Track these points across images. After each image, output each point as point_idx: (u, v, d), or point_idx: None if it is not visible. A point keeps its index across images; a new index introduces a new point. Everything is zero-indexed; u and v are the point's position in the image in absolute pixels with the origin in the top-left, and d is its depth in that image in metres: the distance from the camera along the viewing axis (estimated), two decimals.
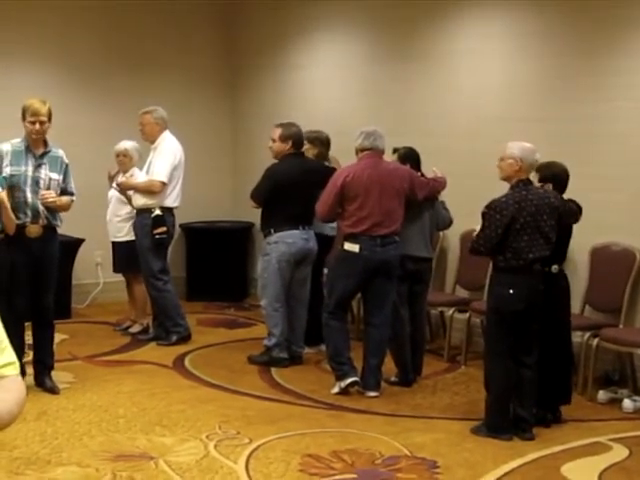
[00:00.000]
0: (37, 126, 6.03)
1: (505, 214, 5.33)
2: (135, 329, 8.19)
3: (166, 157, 7.61)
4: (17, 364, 2.00)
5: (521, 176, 5.43)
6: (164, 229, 7.56)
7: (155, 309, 7.93)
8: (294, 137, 7.09)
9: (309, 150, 7.33)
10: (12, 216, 5.94)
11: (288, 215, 6.98)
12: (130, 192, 7.76)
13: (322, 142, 7.49)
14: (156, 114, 7.70)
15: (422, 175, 6.65)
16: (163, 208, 7.58)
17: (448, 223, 6.90)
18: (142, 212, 7.62)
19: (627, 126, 6.72)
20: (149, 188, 7.57)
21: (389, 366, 6.67)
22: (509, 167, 5.44)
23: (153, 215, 7.53)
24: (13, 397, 1.94)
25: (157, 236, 7.54)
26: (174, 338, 7.77)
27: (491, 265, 5.69)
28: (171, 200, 7.66)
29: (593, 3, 6.87)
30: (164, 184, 7.54)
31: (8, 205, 5.88)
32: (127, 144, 8.05)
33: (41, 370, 6.33)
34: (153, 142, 7.70)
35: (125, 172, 8.03)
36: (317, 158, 7.41)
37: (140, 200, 7.63)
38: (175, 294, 7.89)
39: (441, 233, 7.61)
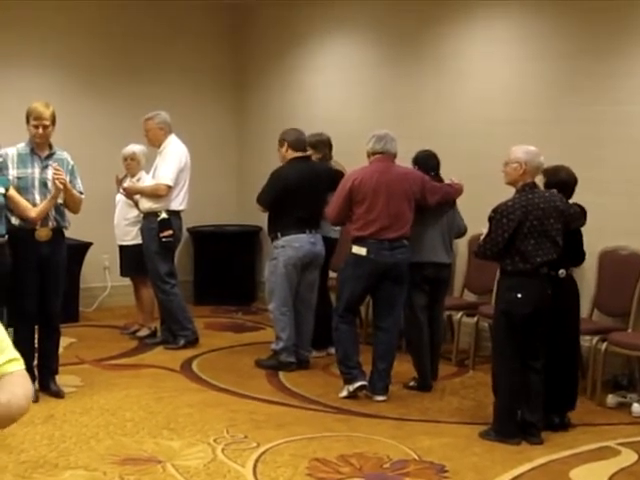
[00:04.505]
0: (40, 130, 6.04)
1: (512, 218, 5.31)
2: (143, 333, 8.19)
3: (171, 160, 7.62)
4: (21, 360, 2.00)
5: (526, 179, 5.41)
6: (170, 232, 7.57)
7: (162, 313, 7.94)
8: (288, 139, 7.11)
9: (313, 155, 7.34)
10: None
11: (295, 219, 6.97)
12: (137, 196, 7.77)
13: (324, 144, 7.51)
14: (158, 119, 7.70)
15: (438, 179, 6.65)
16: (169, 211, 7.59)
17: (463, 231, 6.91)
18: (149, 216, 7.64)
19: (636, 130, 6.70)
20: (155, 192, 7.58)
21: (406, 370, 6.68)
22: (514, 171, 5.43)
23: (159, 219, 7.54)
24: (21, 390, 1.94)
25: (164, 239, 7.55)
26: (182, 342, 7.77)
27: (499, 269, 5.68)
28: (177, 203, 7.66)
29: (602, 5, 6.85)
30: (170, 187, 7.55)
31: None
32: (135, 148, 8.06)
33: (45, 374, 6.32)
34: (159, 147, 7.71)
35: (133, 176, 8.04)
36: (322, 161, 7.41)
37: (146, 204, 7.64)
38: (182, 298, 7.89)
39: None
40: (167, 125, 7.72)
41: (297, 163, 7.07)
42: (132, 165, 8.06)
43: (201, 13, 10.03)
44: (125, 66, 9.56)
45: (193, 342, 7.84)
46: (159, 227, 7.55)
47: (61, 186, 5.98)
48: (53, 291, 6.21)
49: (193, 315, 8.06)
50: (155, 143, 7.75)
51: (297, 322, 7.16)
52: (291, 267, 7.02)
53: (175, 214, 7.67)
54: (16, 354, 1.99)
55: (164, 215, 7.56)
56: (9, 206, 5.98)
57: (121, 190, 7.96)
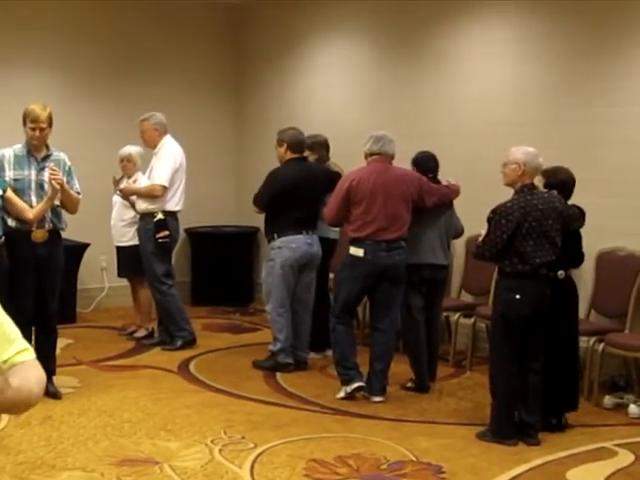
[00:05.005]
0: (37, 133, 6.03)
1: (511, 219, 5.31)
2: (140, 334, 8.19)
3: (166, 161, 7.61)
4: (32, 350, 2.03)
5: (525, 181, 5.41)
6: (166, 233, 7.56)
7: (160, 314, 7.93)
8: (287, 140, 7.09)
9: (309, 156, 7.34)
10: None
11: (291, 220, 6.97)
12: (133, 197, 7.78)
13: (321, 145, 7.51)
14: (154, 120, 7.70)
15: (436, 181, 6.65)
16: (166, 212, 7.58)
17: (460, 232, 6.91)
18: (145, 217, 7.64)
19: (635, 130, 6.71)
20: (151, 192, 7.58)
21: (403, 371, 6.68)
22: (513, 172, 5.42)
23: (155, 219, 7.54)
24: (32, 378, 1.96)
25: (160, 240, 7.55)
26: (179, 343, 7.77)
27: (497, 270, 5.68)
28: (173, 204, 7.65)
29: (600, 6, 6.86)
30: (165, 188, 7.54)
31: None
32: (131, 149, 8.06)
33: None
34: (155, 148, 7.71)
35: (129, 177, 8.05)
36: (318, 162, 7.41)
37: (142, 205, 7.64)
38: (179, 298, 7.89)
39: None
40: (162, 126, 7.71)
41: (294, 164, 7.07)
42: (128, 166, 8.06)
43: (200, 14, 10.03)
44: (123, 67, 9.55)
45: (190, 343, 7.84)
46: (155, 228, 7.55)
47: (58, 186, 5.97)
48: (50, 292, 6.21)
49: (190, 316, 8.05)
50: (151, 144, 7.75)
51: (294, 323, 7.16)
52: (288, 268, 7.02)
53: (172, 215, 7.67)
54: (26, 344, 2.03)
55: (160, 216, 7.55)
56: (6, 208, 5.98)
57: (117, 191, 7.96)
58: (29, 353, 2.01)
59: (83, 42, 9.31)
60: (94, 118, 9.40)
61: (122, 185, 7.97)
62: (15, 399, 1.89)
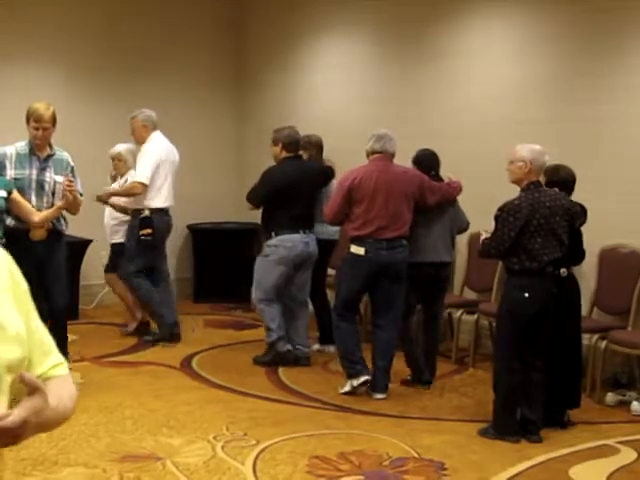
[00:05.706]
0: (40, 132, 6.02)
1: (519, 217, 5.31)
2: (132, 327, 8.13)
3: (147, 158, 7.54)
4: (65, 364, 2.03)
5: (531, 178, 5.40)
6: (149, 231, 7.48)
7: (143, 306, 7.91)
8: (283, 139, 7.09)
9: (302, 155, 7.33)
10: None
11: (288, 218, 6.97)
12: (114, 199, 7.71)
13: (312, 144, 7.49)
14: (142, 116, 7.65)
15: (438, 179, 6.63)
16: (153, 209, 7.53)
17: (465, 227, 6.89)
18: (134, 213, 7.60)
19: (635, 128, 6.70)
20: (130, 191, 7.53)
21: (406, 368, 6.70)
22: (519, 170, 5.42)
23: (141, 216, 7.50)
24: (66, 394, 1.97)
25: (142, 237, 7.49)
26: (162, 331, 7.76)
27: (500, 267, 5.67)
28: (161, 201, 7.59)
29: (601, 4, 6.85)
30: (145, 185, 7.46)
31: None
32: (121, 147, 7.98)
33: None
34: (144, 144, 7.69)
35: (122, 175, 7.98)
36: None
37: (132, 205, 7.61)
38: (153, 289, 7.79)
39: None
40: (151, 122, 7.65)
41: (289, 163, 7.06)
42: (119, 165, 8.00)
43: (201, 11, 10.02)
44: (125, 64, 9.53)
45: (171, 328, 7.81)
46: (140, 225, 7.51)
47: (71, 198, 5.94)
48: (54, 290, 6.18)
49: (192, 312, 8.04)
50: (140, 141, 7.68)
51: (292, 320, 7.16)
52: (284, 267, 7.02)
53: (160, 211, 7.61)
54: (61, 358, 2.02)
55: (146, 213, 7.51)
56: (10, 209, 5.95)
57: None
58: (63, 368, 2.01)
59: (84, 39, 9.29)
60: (96, 115, 9.38)
61: (114, 185, 7.92)
62: (51, 418, 1.89)
